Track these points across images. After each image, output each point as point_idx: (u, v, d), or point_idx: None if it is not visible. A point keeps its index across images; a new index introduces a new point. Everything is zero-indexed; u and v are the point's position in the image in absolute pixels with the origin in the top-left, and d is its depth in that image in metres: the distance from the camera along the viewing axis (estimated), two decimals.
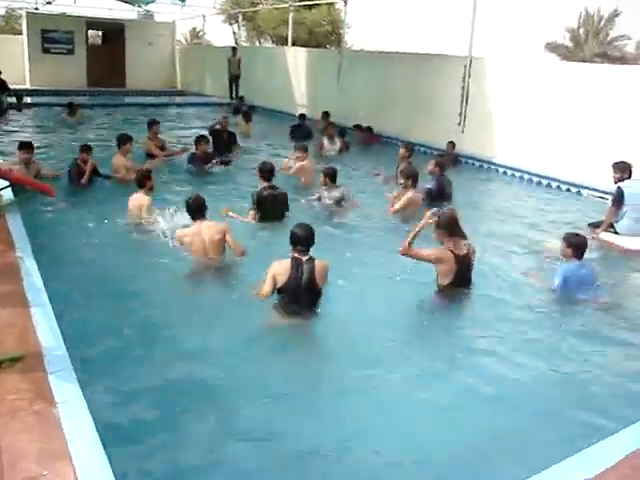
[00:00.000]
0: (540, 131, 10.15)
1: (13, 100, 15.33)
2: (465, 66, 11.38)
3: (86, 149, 8.18)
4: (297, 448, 3.12)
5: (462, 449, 3.22)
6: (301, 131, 12.51)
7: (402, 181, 7.32)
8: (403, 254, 4.86)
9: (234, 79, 18.96)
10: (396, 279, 5.22)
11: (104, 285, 4.91)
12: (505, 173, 10.62)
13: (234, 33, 32.06)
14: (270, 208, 6.67)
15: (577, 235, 5.28)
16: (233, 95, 19.04)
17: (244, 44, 31.36)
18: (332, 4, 26.84)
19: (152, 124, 10.05)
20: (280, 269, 4.39)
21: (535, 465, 2.78)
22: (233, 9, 30.07)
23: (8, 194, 6.57)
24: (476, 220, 7.12)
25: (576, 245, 5.15)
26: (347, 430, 3.31)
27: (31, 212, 6.43)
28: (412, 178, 7.24)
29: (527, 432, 3.43)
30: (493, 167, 10.85)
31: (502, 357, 4.15)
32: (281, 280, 4.37)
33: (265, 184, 6.80)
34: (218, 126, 10.93)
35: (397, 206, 7.15)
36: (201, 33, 39.36)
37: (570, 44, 38.15)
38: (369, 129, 12.58)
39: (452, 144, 10.90)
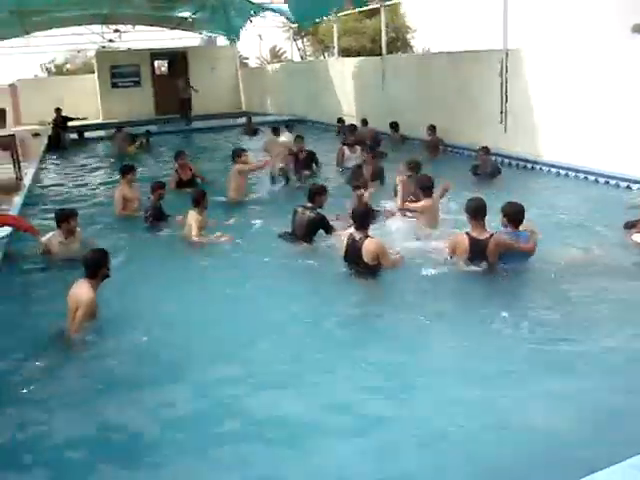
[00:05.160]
0: (589, 125, 9.09)
1: (75, 136, 16.24)
2: (501, 60, 10.53)
3: (160, 186, 7.59)
4: None
5: None
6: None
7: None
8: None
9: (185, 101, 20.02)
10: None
11: None
12: (556, 173, 9.63)
13: (299, 49, 32.26)
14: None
15: (511, 203, 5.21)
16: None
17: (310, 58, 31.53)
18: (393, 10, 26.20)
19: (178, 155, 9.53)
20: (340, 241, 5.38)
21: None
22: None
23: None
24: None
25: (509, 213, 5.13)
26: None
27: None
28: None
29: None
30: (539, 166, 9.92)
31: None
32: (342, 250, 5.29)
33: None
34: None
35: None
36: (281, 51, 39.98)
37: None
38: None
39: (485, 150, 9.14)
